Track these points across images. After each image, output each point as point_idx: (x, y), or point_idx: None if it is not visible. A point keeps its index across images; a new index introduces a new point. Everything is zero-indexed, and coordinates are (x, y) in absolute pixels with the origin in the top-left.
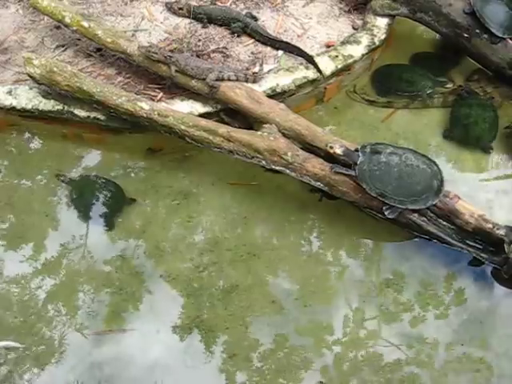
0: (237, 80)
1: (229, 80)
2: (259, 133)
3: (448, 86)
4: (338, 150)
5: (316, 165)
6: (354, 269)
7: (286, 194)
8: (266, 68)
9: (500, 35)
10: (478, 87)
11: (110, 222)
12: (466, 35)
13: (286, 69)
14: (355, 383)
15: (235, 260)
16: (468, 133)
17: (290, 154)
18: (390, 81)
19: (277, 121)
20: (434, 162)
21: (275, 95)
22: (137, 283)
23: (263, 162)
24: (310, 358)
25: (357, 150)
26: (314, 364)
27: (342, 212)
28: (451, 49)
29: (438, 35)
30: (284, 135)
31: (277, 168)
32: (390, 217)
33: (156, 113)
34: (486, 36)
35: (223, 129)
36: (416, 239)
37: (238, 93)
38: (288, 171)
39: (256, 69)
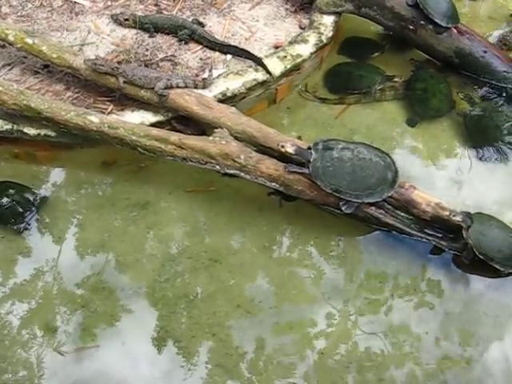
0: (186, 87)
1: (178, 87)
2: (211, 138)
3: (396, 79)
4: (290, 149)
5: (270, 166)
6: (317, 267)
7: (244, 198)
8: (215, 73)
9: (444, 25)
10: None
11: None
12: (411, 27)
13: (235, 72)
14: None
15: (197, 268)
16: (428, 106)
17: (242, 156)
18: (340, 78)
19: (228, 125)
20: (387, 154)
21: (226, 99)
22: (99, 299)
23: (217, 167)
24: (280, 360)
25: (309, 148)
26: (285, 365)
27: (301, 211)
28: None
29: (382, 28)
30: (236, 138)
31: (231, 172)
32: (347, 212)
33: (106, 125)
34: (430, 27)
35: (174, 137)
36: (376, 232)
37: (187, 99)
38: (242, 174)
39: (205, 74)
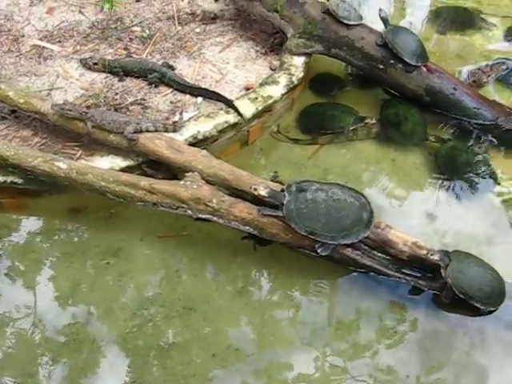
0: (156, 131)
1: (148, 131)
2: (182, 182)
3: (368, 120)
4: (263, 192)
5: (243, 209)
6: (294, 311)
7: (218, 243)
8: (186, 116)
9: (414, 63)
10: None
11: None
12: (381, 66)
13: (206, 115)
14: None
15: (171, 316)
16: (401, 129)
17: (215, 200)
18: (313, 118)
19: (200, 168)
20: (362, 194)
21: (197, 142)
22: (69, 351)
23: (189, 212)
24: None
25: (282, 191)
26: None
27: (277, 255)
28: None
29: (350, 67)
30: (208, 182)
31: (204, 216)
32: (323, 254)
33: (74, 171)
34: (400, 66)
35: (145, 181)
36: (354, 274)
37: (157, 143)
38: (215, 218)
39: (176, 118)
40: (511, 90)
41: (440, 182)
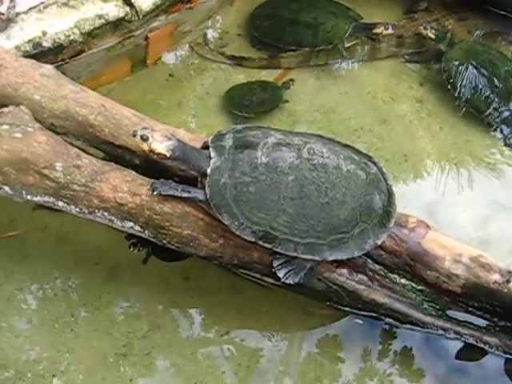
0: None
1: None
2: None
3: (379, 29)
4: (159, 145)
5: (120, 184)
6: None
7: (78, 249)
8: (21, 4)
9: None
10: (431, 20)
11: None
12: None
13: (62, 3)
14: None
15: None
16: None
17: (60, 165)
18: (275, 24)
19: (35, 99)
20: (370, 158)
21: (42, 55)
22: None
23: (8, 190)
24: None
25: (206, 147)
26: None
27: (193, 280)
28: None
29: None
30: (51, 128)
31: (41, 201)
32: (289, 282)
33: None
34: None
35: None
36: (357, 320)
37: None
38: (63, 204)
39: (2, 7)
40: None
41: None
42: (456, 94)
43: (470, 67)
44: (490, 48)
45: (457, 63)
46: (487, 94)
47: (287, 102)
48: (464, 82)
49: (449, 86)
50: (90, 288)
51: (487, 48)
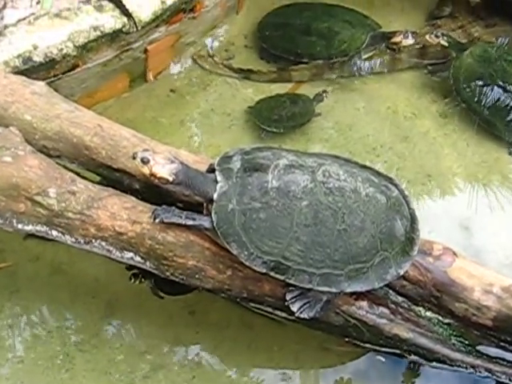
0: None
1: None
2: None
3: (398, 38)
4: (162, 170)
5: (118, 211)
6: None
7: (74, 282)
8: (11, 15)
9: None
10: (455, 27)
11: None
12: None
13: (55, 14)
14: None
15: None
16: None
17: (53, 191)
18: (286, 34)
19: (26, 119)
20: (391, 180)
21: (33, 70)
22: None
23: None
24: None
25: (212, 170)
26: None
27: (206, 315)
28: None
29: None
30: (42, 151)
31: (33, 230)
32: (305, 316)
33: None
34: None
35: None
36: (378, 357)
37: None
38: (57, 233)
39: None
40: None
41: None
42: (465, 107)
43: (481, 78)
44: (507, 53)
45: (466, 73)
46: (502, 105)
47: (319, 115)
48: (475, 95)
49: (458, 99)
50: (86, 324)
51: (503, 52)
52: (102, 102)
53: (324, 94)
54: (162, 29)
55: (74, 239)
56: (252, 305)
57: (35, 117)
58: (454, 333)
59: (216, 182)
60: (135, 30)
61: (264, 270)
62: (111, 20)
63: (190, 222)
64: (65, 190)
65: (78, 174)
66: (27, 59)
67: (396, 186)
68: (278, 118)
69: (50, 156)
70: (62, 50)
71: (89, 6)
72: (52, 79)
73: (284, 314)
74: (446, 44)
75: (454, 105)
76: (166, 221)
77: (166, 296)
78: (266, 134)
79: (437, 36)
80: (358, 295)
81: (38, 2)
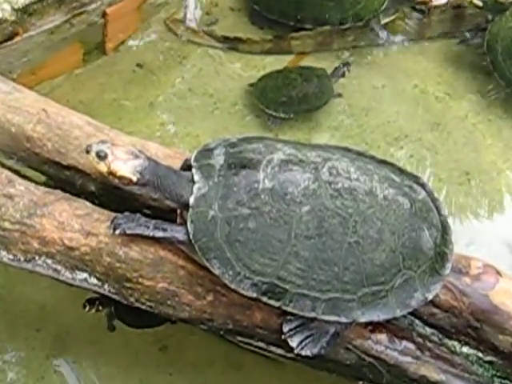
0: None
1: None
2: None
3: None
4: (123, 167)
5: (71, 221)
6: None
7: (13, 312)
8: None
9: None
10: None
11: None
12: None
13: None
14: None
15: None
16: None
17: None
18: None
19: None
20: (417, 179)
21: None
22: None
23: None
24: None
25: (188, 167)
26: None
27: (181, 355)
28: None
29: None
30: None
31: None
32: (305, 354)
33: None
34: None
35: None
36: None
37: None
38: None
39: None
40: None
41: None
42: (503, 84)
43: None
44: None
45: (506, 41)
46: None
47: (340, 96)
48: None
49: (495, 73)
50: (29, 365)
51: None
52: (48, 80)
53: (345, 68)
54: None
55: (11, 256)
56: (240, 339)
57: None
58: (498, 373)
59: (193, 182)
60: None
61: (254, 295)
62: None
63: (160, 234)
64: (0, 194)
65: (17, 173)
66: None
67: (423, 186)
68: (287, 101)
69: None
70: None
71: None
72: None
73: (281, 351)
74: (479, 3)
75: (498, 83)
76: (128, 232)
77: (130, 329)
78: (274, 120)
79: None
80: (375, 326)
81: None
